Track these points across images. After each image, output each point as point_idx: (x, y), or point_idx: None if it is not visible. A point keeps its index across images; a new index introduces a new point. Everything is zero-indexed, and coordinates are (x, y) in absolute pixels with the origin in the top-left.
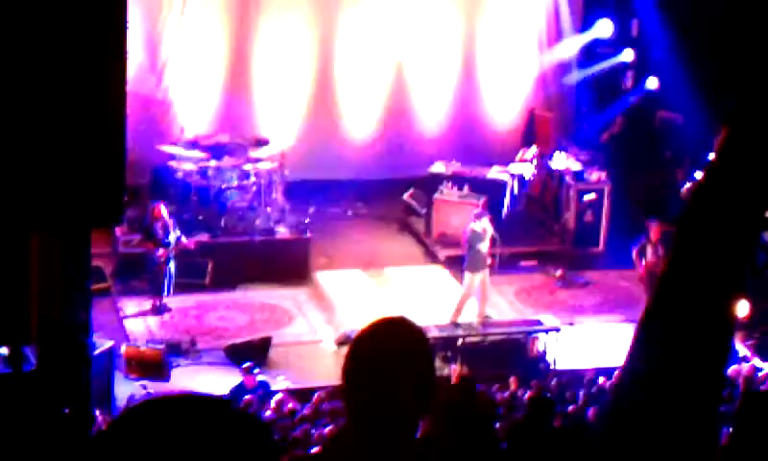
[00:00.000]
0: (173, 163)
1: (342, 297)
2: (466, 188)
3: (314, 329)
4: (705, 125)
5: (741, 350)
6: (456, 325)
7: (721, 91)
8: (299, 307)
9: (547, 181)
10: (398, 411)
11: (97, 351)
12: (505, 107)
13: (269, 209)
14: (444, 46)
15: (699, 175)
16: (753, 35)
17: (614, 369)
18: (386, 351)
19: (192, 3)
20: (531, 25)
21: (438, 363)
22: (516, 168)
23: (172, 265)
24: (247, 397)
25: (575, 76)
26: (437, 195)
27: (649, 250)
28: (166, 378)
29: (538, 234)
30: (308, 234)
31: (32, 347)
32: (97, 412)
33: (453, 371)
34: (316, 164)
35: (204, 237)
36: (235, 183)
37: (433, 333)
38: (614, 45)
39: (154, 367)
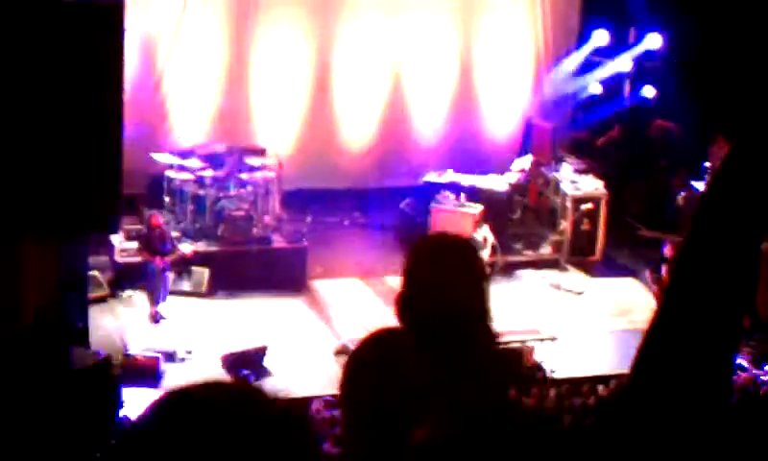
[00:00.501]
0: (170, 172)
1: (340, 306)
2: (463, 197)
3: (311, 339)
4: (700, 134)
5: (738, 359)
6: None
7: (717, 101)
8: (296, 317)
9: (544, 190)
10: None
11: (94, 360)
12: (502, 116)
13: (266, 218)
14: (441, 56)
15: (699, 186)
16: (750, 44)
17: (612, 377)
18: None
19: (190, 12)
20: (528, 35)
21: None
22: (512, 177)
23: (169, 274)
24: None
25: (572, 85)
26: (434, 204)
27: (664, 268)
28: (160, 387)
29: (534, 243)
30: (305, 243)
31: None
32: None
33: None
34: (313, 173)
35: (200, 246)
36: (232, 192)
37: None
38: (612, 54)
39: (149, 375)
